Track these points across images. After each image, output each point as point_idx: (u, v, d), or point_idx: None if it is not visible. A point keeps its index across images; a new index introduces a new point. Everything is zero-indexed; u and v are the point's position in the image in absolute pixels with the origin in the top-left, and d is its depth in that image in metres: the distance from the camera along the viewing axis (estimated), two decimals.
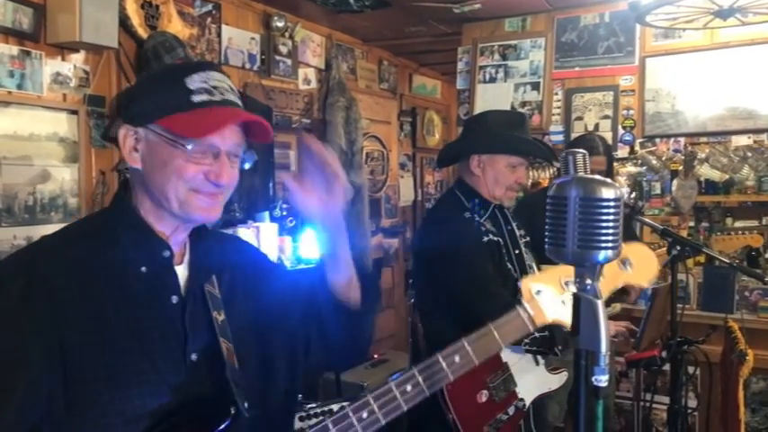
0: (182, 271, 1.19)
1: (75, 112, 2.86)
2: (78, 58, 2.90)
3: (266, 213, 3.76)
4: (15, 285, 1.05)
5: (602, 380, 1.04)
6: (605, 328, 1.03)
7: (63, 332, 1.04)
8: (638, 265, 1.30)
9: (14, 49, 2.63)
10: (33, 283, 1.05)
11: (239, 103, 1.17)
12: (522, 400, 2.19)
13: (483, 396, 2.11)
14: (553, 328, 2.03)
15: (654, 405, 3.09)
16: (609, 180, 1.03)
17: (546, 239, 1.05)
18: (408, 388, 1.22)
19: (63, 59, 2.84)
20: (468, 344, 1.26)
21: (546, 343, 2.10)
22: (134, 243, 1.14)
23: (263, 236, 3.48)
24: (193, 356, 1.14)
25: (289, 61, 4.28)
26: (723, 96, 3.78)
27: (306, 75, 4.48)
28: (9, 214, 2.61)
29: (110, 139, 2.97)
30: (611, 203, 1.00)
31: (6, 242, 2.58)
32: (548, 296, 1.25)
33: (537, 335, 2.02)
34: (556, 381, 2.28)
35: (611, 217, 1.00)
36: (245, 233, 3.32)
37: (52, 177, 2.77)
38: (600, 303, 1.04)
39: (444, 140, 6.27)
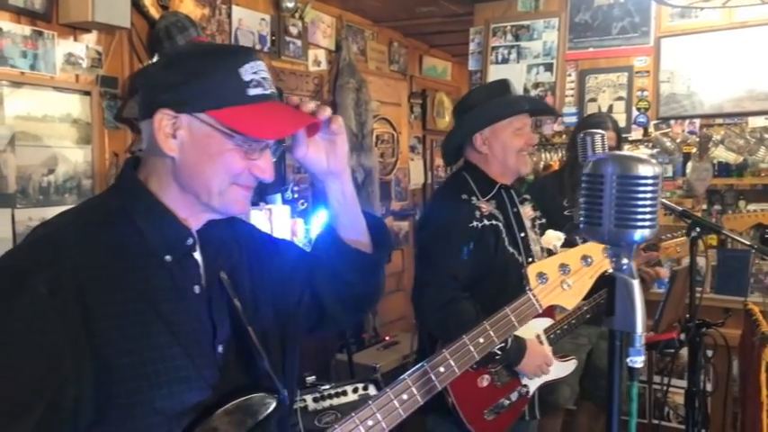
0: (199, 258, 1.13)
1: (87, 93, 2.84)
2: (90, 38, 2.87)
3: (278, 196, 3.74)
4: (41, 278, 0.95)
5: (637, 361, 1.02)
6: (641, 309, 1.02)
7: (95, 329, 0.96)
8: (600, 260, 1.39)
9: (27, 29, 2.61)
10: (61, 276, 0.96)
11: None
12: (525, 386, 2.16)
13: (484, 380, 2.09)
14: (509, 351, 2.07)
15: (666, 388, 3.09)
16: (647, 157, 1.01)
17: (581, 218, 1.03)
18: (442, 369, 1.28)
19: (75, 40, 2.81)
20: (489, 326, 1.32)
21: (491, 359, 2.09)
22: (156, 231, 1.07)
23: (275, 218, 3.47)
24: (220, 348, 1.11)
25: (299, 42, 4.24)
26: (740, 77, 3.72)
27: (316, 56, 4.44)
28: (24, 196, 2.60)
29: (123, 120, 2.95)
30: (650, 181, 0.98)
31: (22, 224, 2.57)
32: (550, 281, 1.32)
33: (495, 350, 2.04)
34: (563, 369, 2.26)
35: (649, 195, 0.98)
36: (257, 215, 3.31)
37: (66, 159, 2.76)
38: (636, 283, 1.02)
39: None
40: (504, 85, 2.30)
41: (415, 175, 5.64)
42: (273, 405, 1.11)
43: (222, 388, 1.08)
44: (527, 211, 2.32)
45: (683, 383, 3.32)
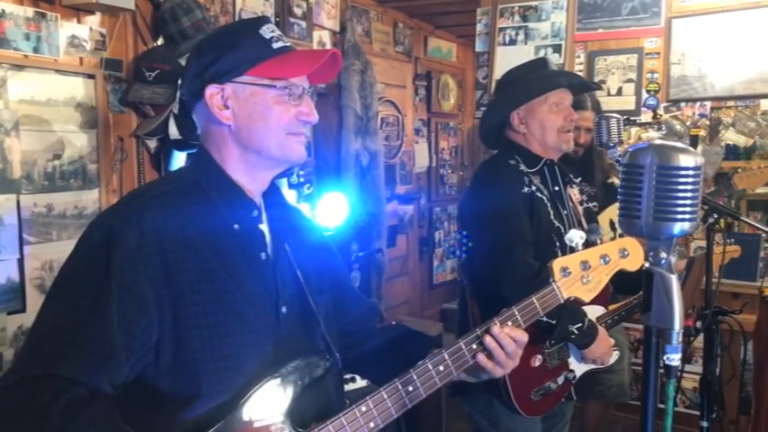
0: (265, 230, 1.28)
1: (92, 77, 2.78)
2: (94, 20, 2.81)
3: (284, 180, 3.70)
4: (131, 234, 1.10)
5: (674, 359, 1.00)
6: (679, 305, 0.99)
7: (173, 280, 1.11)
8: (634, 253, 1.47)
9: (30, 11, 2.55)
10: (146, 233, 1.11)
11: None
12: (572, 371, 2.16)
13: (537, 360, 2.08)
14: (559, 323, 2.01)
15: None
16: (688, 147, 0.97)
17: (618, 211, 1.00)
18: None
19: (79, 22, 2.75)
20: (518, 311, 1.38)
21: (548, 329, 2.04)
22: (226, 203, 1.23)
23: None
24: (284, 309, 1.24)
25: (303, 23, 4.17)
26: (752, 59, 3.66)
27: (320, 38, 4.37)
28: (29, 181, 2.55)
29: (127, 104, 2.90)
30: (690, 172, 0.95)
31: (27, 209, 2.53)
32: (572, 275, 1.41)
33: (544, 319, 1.98)
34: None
35: (690, 187, 0.95)
36: None
37: (71, 143, 2.71)
38: (674, 278, 0.99)
39: (459, 105, 6.17)
40: (541, 63, 2.26)
41: (419, 159, 5.58)
42: (328, 366, 1.25)
43: (283, 347, 1.22)
44: (573, 193, 2.27)
45: (691, 367, 3.34)
